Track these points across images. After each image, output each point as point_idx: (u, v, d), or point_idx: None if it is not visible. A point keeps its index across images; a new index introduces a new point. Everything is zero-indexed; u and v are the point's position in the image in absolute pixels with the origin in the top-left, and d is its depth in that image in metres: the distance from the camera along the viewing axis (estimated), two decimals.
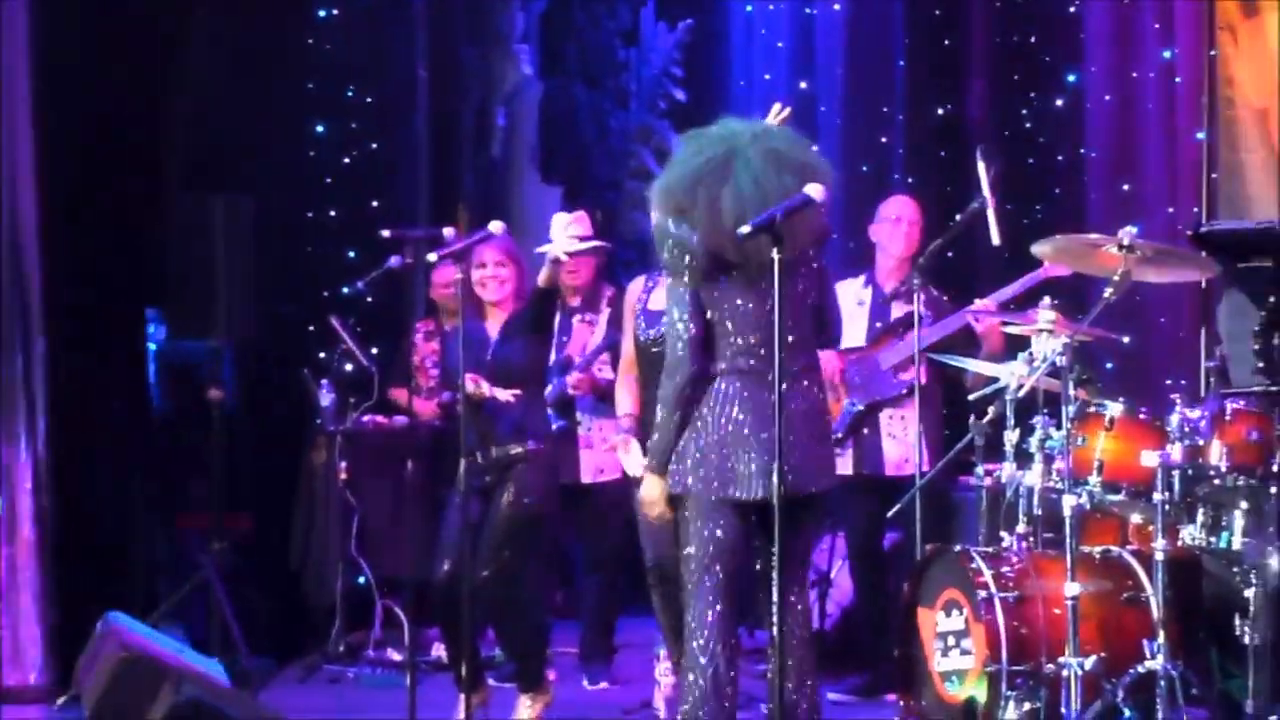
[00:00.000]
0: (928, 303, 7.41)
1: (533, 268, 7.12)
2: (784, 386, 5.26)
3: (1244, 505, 6.17)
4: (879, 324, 7.93)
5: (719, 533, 5.54)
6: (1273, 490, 6.00)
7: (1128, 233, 6.19)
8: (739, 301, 5.53)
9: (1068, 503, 6.19)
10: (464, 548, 6.61)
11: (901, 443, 7.80)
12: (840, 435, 7.78)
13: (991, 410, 6.88)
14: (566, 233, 6.95)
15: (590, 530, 8.36)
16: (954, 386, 7.81)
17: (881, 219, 8.07)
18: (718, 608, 5.54)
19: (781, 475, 5.19)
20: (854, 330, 7.93)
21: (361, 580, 8.93)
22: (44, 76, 7.94)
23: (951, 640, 6.47)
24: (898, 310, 7.90)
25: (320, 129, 9.85)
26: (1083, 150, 9.75)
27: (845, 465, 7.80)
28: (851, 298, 8.00)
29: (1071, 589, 6.11)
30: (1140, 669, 6.11)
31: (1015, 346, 7.10)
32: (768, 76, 10.61)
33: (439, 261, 7.05)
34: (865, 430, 7.85)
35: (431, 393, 8.74)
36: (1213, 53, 8.72)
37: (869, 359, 7.87)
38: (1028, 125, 9.91)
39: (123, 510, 8.40)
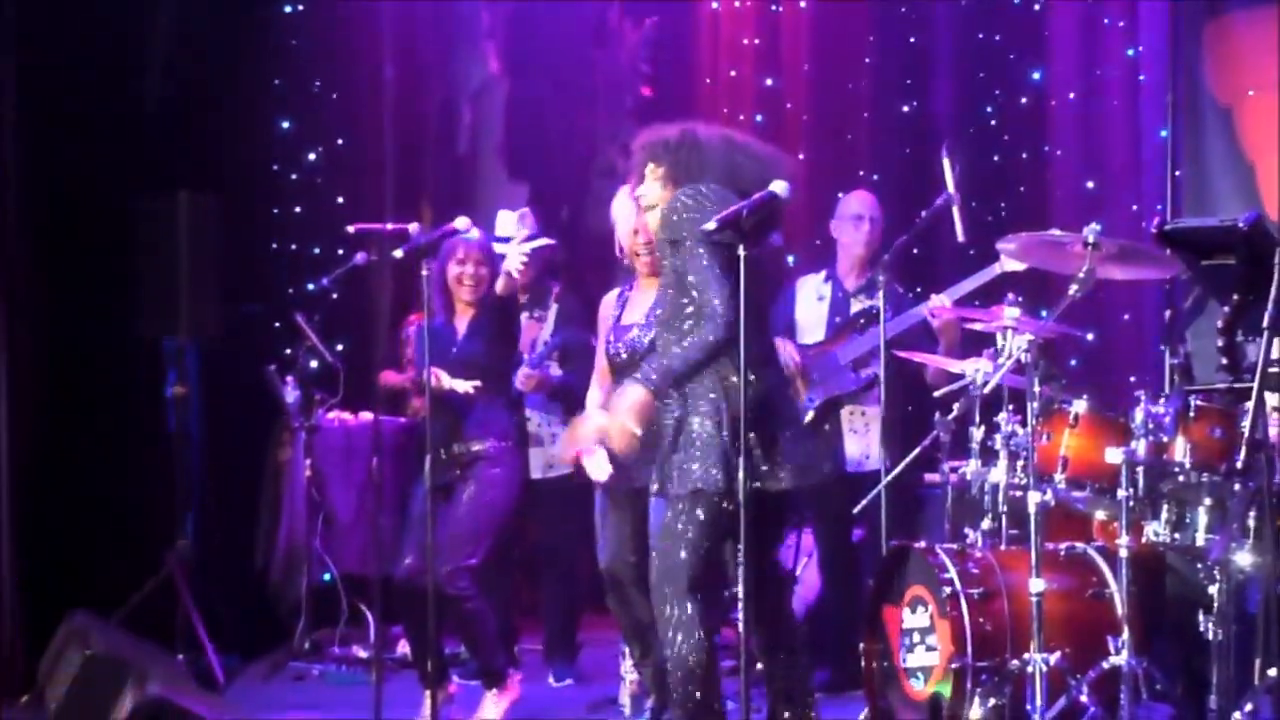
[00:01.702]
0: (887, 298, 7.43)
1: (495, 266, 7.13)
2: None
3: (1208, 501, 6.18)
4: (838, 319, 7.95)
5: (720, 525, 5.53)
6: (1236, 487, 6.01)
7: (1092, 230, 6.21)
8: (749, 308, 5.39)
9: (1032, 499, 6.20)
10: (427, 544, 6.60)
11: (863, 438, 7.81)
12: None
13: (957, 407, 6.90)
14: (518, 233, 6.97)
15: (544, 526, 8.34)
16: (914, 382, 7.83)
17: (842, 215, 8.08)
18: (699, 600, 5.53)
19: (758, 473, 5.30)
20: (813, 325, 7.95)
21: (328, 577, 8.92)
22: (5, 72, 7.89)
23: (917, 637, 6.48)
24: (857, 306, 7.91)
25: (285, 125, 9.81)
26: (1047, 148, 9.77)
27: None
28: (812, 293, 8.02)
29: (1036, 585, 6.13)
30: (1105, 665, 6.13)
31: (979, 343, 7.12)
32: (734, 74, 10.61)
33: (404, 257, 7.02)
34: (826, 427, 7.86)
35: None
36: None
37: (828, 354, 7.88)
38: (992, 123, 9.92)
39: (86, 507, 8.35)
